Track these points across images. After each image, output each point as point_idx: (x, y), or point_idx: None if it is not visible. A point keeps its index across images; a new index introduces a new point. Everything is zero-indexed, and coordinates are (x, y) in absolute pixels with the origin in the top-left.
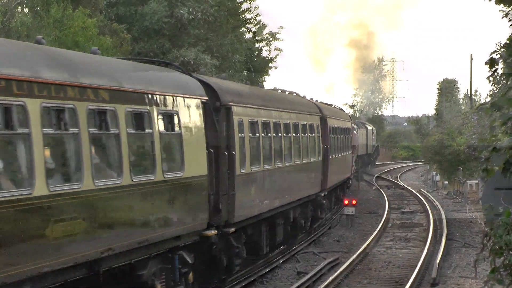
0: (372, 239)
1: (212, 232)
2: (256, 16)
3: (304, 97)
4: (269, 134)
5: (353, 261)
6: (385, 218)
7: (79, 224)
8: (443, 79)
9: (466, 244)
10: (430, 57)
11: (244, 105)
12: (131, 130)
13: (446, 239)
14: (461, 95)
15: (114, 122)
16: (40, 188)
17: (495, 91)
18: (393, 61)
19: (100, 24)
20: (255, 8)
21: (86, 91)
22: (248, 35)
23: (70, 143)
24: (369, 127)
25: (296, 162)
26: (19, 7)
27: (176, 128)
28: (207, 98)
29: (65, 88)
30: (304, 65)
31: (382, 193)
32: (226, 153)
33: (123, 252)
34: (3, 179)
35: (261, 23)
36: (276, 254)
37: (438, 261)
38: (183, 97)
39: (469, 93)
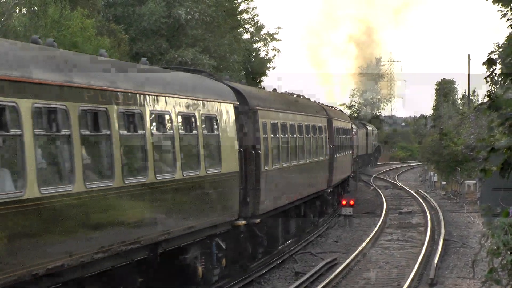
0: (370, 239)
1: (242, 222)
2: (253, 16)
3: (309, 99)
4: (287, 135)
5: (351, 261)
6: (383, 219)
7: (147, 211)
8: (441, 80)
9: (464, 245)
10: (428, 58)
11: (267, 109)
12: (182, 132)
13: (444, 240)
14: (459, 95)
15: (170, 124)
16: (118, 180)
17: (493, 92)
18: (391, 61)
19: (98, 25)
20: (252, 8)
21: (150, 98)
22: (246, 36)
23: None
24: (370, 128)
25: (308, 161)
26: (17, 7)
27: (215, 130)
28: (238, 103)
29: (134, 96)
30: (303, 64)
31: (380, 194)
32: (253, 152)
33: (175, 237)
34: (86, 172)
35: (258, 24)
36: (274, 254)
37: (436, 261)
38: (220, 102)
39: (467, 94)
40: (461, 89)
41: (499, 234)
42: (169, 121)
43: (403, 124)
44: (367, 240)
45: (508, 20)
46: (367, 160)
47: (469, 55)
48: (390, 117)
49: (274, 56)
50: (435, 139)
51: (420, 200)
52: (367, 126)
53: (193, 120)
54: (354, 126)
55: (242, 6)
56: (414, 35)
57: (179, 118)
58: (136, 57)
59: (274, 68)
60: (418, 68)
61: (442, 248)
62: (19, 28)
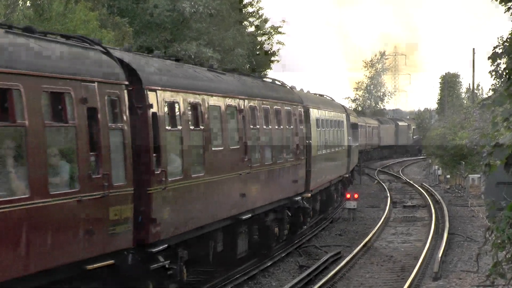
0: (374, 233)
1: (347, 175)
2: (258, 10)
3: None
4: (358, 129)
5: (355, 255)
6: (387, 212)
7: (329, 164)
8: (446, 73)
9: (468, 238)
10: (433, 51)
11: (351, 114)
12: (335, 129)
13: (448, 233)
14: (464, 89)
15: (337, 124)
16: (317, 151)
17: (498, 85)
18: (395, 55)
19: (102, 18)
20: (257, 1)
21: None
22: (251, 29)
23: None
24: (402, 123)
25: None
26: (21, 1)
27: (343, 126)
28: (346, 112)
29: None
30: (304, 61)
31: (384, 187)
32: (349, 138)
33: (334, 178)
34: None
35: (263, 17)
36: (278, 248)
37: (440, 255)
38: (344, 113)
39: (471, 87)
40: (465, 82)
41: (504, 228)
42: (338, 123)
43: (408, 117)
44: (371, 234)
45: None
46: (401, 151)
47: (473, 49)
48: (395, 110)
49: (278, 49)
50: (440, 133)
51: (425, 193)
52: (399, 122)
53: (340, 123)
54: (375, 121)
55: (247, 0)
56: (420, 29)
57: (345, 121)
58: (140, 51)
59: (278, 61)
60: (422, 62)
61: (446, 242)
62: (22, 21)
